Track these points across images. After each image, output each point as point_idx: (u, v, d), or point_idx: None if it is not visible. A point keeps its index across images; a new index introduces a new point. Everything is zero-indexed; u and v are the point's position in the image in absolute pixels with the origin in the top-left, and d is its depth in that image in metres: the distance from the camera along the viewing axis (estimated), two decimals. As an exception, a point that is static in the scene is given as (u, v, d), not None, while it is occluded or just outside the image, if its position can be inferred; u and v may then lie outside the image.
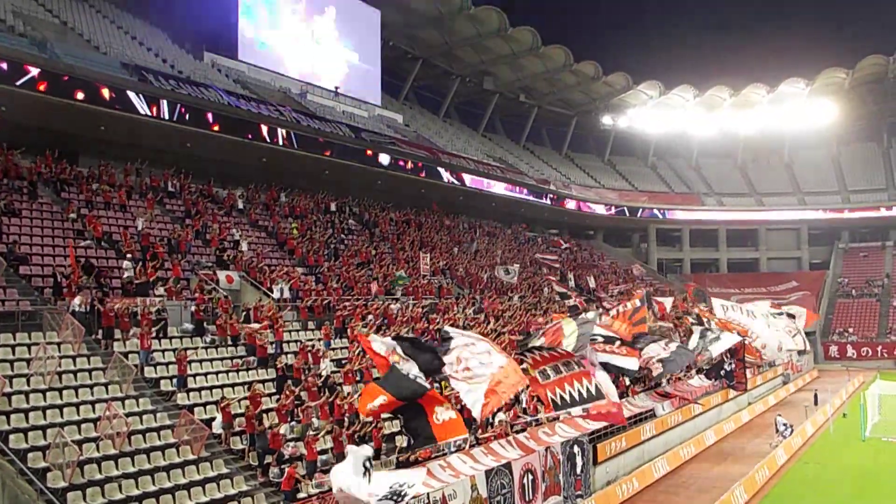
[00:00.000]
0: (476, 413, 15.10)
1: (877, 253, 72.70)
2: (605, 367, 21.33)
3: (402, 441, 20.18)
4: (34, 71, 27.55)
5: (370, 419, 20.26)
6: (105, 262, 23.53)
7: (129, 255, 24.08)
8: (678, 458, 27.96)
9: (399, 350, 15.17)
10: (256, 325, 22.95)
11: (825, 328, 62.96)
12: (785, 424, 31.20)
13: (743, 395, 39.57)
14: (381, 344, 15.25)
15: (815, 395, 39.73)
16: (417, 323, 29.23)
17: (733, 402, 38.14)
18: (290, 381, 20.97)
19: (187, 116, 32.92)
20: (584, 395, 19.86)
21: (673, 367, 27.89)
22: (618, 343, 22.21)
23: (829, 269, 71.35)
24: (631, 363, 21.68)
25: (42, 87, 27.67)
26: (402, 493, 13.02)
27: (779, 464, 26.91)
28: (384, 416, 20.93)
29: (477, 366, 15.36)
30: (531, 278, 46.86)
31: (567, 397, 19.14)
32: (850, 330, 61.99)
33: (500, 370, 15.40)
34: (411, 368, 14.78)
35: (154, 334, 20.56)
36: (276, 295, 26.40)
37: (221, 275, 26.12)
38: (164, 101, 32.11)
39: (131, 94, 30.81)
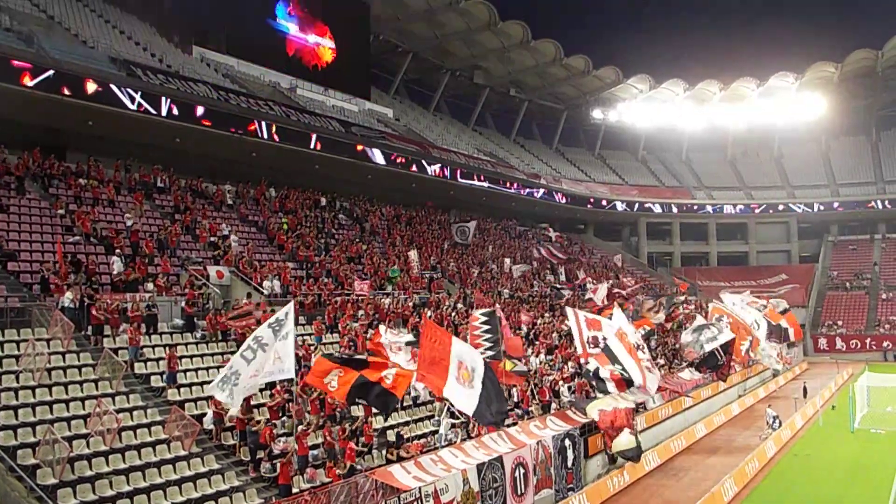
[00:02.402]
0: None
1: (865, 245, 73.09)
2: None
3: (392, 435, 20.22)
4: (21, 66, 27.34)
5: (361, 415, 20.37)
6: (94, 258, 23.38)
7: (117, 251, 23.97)
8: (669, 450, 28.06)
9: (475, 377, 15.68)
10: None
11: (814, 321, 63.29)
12: (774, 417, 31.35)
13: (733, 388, 39.88)
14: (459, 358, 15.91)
15: (805, 388, 39.94)
16: (409, 317, 29.29)
17: (723, 394, 38.32)
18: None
19: (176, 111, 32.72)
20: None
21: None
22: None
23: (819, 262, 71.72)
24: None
25: (29, 82, 27.46)
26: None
27: (768, 456, 27.02)
28: (374, 410, 21.02)
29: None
30: (523, 273, 46.92)
31: None
32: (840, 322, 62.32)
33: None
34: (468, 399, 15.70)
35: (144, 330, 20.52)
36: (266, 290, 26.33)
37: (211, 270, 26.03)
38: (153, 96, 31.90)
39: (119, 89, 30.60)
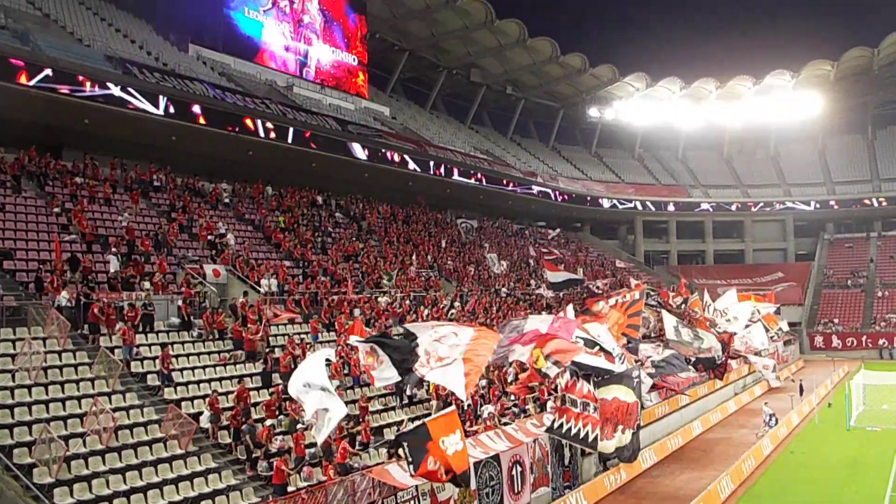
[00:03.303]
0: (461, 392, 15.81)
1: (861, 244, 73.23)
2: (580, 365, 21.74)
3: (389, 434, 20.20)
4: (17, 64, 27.28)
5: (357, 413, 20.40)
6: (90, 256, 23.33)
7: (114, 250, 23.92)
8: (665, 448, 28.12)
9: (378, 351, 15.65)
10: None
11: (811, 319, 63.43)
12: (770, 415, 31.43)
13: (729, 386, 39.93)
14: (364, 349, 15.87)
15: (801, 386, 40.03)
16: (407, 315, 29.30)
17: (720, 392, 38.38)
18: (280, 376, 20.98)
19: (172, 109, 32.68)
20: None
21: (664, 372, 28.11)
22: (597, 348, 22.77)
23: (815, 260, 71.86)
24: (612, 366, 22.48)
25: (24, 80, 27.40)
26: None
27: (765, 454, 27.10)
28: (371, 409, 21.07)
29: (446, 350, 15.87)
30: (518, 271, 46.94)
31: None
32: (836, 320, 62.44)
33: (471, 342, 16.01)
34: (387, 372, 15.48)
35: (140, 328, 20.50)
36: (263, 289, 26.31)
37: (208, 269, 25.99)
38: (149, 94, 31.86)
39: (115, 87, 30.54)
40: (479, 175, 54.07)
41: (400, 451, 16.13)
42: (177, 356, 20.27)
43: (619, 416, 23.39)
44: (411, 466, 14.90)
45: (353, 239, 37.57)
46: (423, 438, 15.03)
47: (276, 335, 23.84)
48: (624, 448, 23.20)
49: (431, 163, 49.32)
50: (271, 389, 20.15)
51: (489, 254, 45.49)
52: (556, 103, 78.66)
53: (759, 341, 38.39)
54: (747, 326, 39.35)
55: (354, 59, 54.95)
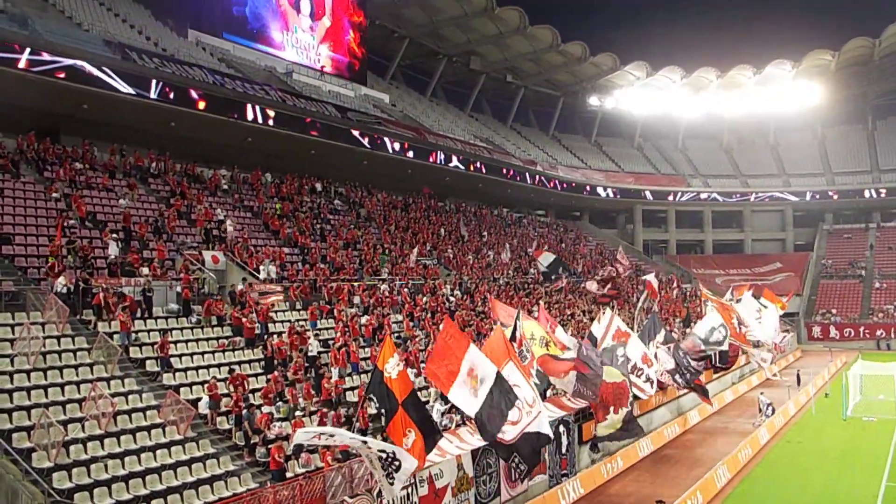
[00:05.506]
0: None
1: (860, 234, 73.27)
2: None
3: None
4: (15, 48, 27.15)
5: (355, 401, 20.43)
6: (89, 242, 23.30)
7: (113, 235, 23.89)
8: (662, 437, 28.19)
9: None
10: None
11: (808, 309, 63.52)
12: (767, 404, 31.51)
13: (727, 375, 40.02)
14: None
15: (798, 376, 40.13)
16: (406, 303, 29.31)
17: (717, 381, 38.45)
18: (276, 363, 21.01)
19: (171, 95, 32.55)
20: None
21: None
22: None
23: (813, 251, 71.87)
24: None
25: (22, 65, 27.28)
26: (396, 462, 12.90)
27: (761, 443, 27.20)
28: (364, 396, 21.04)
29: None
30: (518, 259, 46.93)
31: None
32: (834, 311, 62.54)
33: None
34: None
35: (138, 315, 20.50)
36: (262, 275, 26.31)
37: (207, 255, 25.97)
38: (148, 80, 31.72)
39: (114, 73, 30.37)
40: (478, 163, 53.95)
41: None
42: (175, 342, 20.29)
43: (608, 398, 23.17)
44: (384, 418, 14.39)
45: (352, 226, 37.52)
46: (379, 378, 13.89)
47: (274, 322, 23.84)
48: (618, 429, 22.92)
49: (431, 151, 49.17)
50: (268, 378, 20.16)
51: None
52: (556, 92, 78.44)
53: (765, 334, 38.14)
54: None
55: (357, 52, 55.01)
